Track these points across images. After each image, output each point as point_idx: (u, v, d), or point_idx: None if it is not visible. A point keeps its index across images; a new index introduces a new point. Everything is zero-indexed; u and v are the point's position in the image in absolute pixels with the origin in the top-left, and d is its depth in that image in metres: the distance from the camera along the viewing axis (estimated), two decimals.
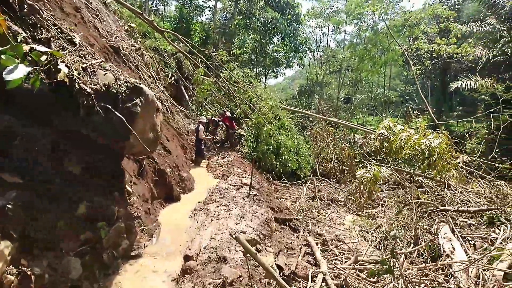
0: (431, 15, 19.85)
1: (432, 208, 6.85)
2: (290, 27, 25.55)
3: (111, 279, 3.46)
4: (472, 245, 5.37)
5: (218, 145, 12.07)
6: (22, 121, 2.98)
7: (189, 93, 15.75)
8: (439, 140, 6.75)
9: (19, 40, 2.67)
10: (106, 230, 3.42)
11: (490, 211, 6.23)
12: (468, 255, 4.80)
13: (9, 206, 2.58)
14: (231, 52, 21.27)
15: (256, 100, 12.16)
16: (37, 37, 3.02)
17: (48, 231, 2.90)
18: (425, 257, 5.06)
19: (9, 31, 2.58)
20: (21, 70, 2.17)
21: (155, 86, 10.78)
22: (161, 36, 12.18)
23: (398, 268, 3.75)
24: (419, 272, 4.27)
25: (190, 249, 4.00)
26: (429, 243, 5.25)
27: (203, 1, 27.43)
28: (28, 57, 2.45)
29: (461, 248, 4.92)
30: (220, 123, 12.81)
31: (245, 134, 12.67)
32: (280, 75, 29.73)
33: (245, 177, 7.82)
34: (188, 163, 9.17)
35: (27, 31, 2.98)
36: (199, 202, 6.09)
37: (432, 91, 27.30)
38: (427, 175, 8.22)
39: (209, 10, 28.14)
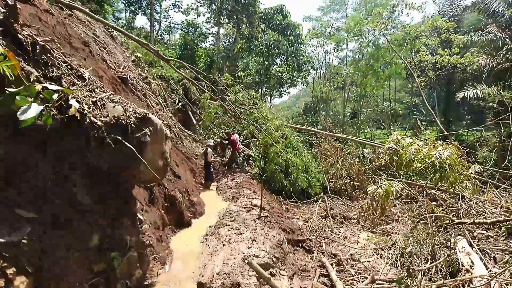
0: (431, 28, 20.05)
1: (447, 221, 6.67)
2: (292, 47, 26.12)
3: None
4: (492, 258, 5.19)
5: (226, 168, 12.09)
6: (35, 154, 3.06)
7: (196, 117, 16.01)
8: (450, 152, 6.66)
9: (31, 80, 2.79)
10: (119, 260, 3.42)
11: (507, 222, 6.03)
12: (489, 269, 4.63)
13: (24, 241, 2.61)
14: (236, 75, 21.76)
15: (262, 120, 12.29)
16: (48, 75, 3.16)
17: (62, 264, 2.91)
18: (444, 273, 4.89)
19: (23, 72, 2.72)
20: (34, 109, 2.27)
21: (163, 113, 11.01)
22: (167, 64, 12.54)
23: (417, 286, 3.64)
24: None
25: (203, 276, 3.95)
26: (447, 258, 5.10)
27: (206, 28, 28.49)
28: (41, 95, 2.57)
29: (480, 262, 4.76)
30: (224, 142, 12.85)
31: (253, 154, 12.70)
32: (284, 94, 30.26)
33: (255, 198, 7.78)
34: (198, 187, 9.19)
35: (39, 70, 3.12)
36: (210, 227, 6.05)
37: (439, 101, 27.19)
38: (440, 188, 8.06)
39: (213, 36, 29.11)
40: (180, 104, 15.19)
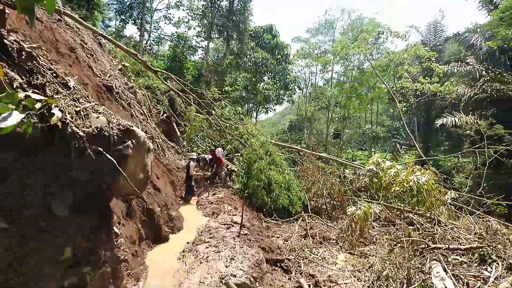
0: (414, 56, 20.95)
1: (423, 245, 6.80)
2: (280, 66, 26.67)
3: None
4: (465, 284, 5.31)
5: (208, 181, 11.96)
6: (14, 163, 2.97)
7: (180, 129, 15.90)
8: (427, 177, 6.89)
9: (14, 86, 2.74)
10: (92, 275, 3.30)
11: (481, 248, 6.22)
12: None
13: None
14: (223, 89, 21.87)
15: (247, 136, 12.34)
16: (32, 83, 3.11)
17: (33, 277, 2.79)
18: None
19: (6, 77, 2.68)
20: (15, 117, 2.21)
21: (147, 123, 10.88)
22: (154, 75, 12.52)
23: None
24: None
25: None
26: (422, 283, 5.18)
27: (196, 41, 28.73)
28: (22, 103, 2.51)
29: (454, 287, 4.86)
30: (209, 158, 12.71)
31: (236, 170, 12.67)
32: (270, 111, 30.55)
33: (236, 215, 7.72)
34: (178, 201, 9.03)
35: (23, 77, 3.07)
36: (188, 243, 5.93)
37: (419, 126, 28.16)
38: (417, 212, 8.25)
39: (202, 50, 29.35)
40: (165, 115, 15.08)
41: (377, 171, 7.91)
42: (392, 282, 5.51)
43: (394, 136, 32.31)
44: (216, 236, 5.91)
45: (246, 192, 10.40)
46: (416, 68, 21.71)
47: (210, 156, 12.47)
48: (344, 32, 31.97)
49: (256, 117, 30.64)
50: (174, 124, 15.83)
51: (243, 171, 11.83)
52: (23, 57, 3.11)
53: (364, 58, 23.49)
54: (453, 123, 16.65)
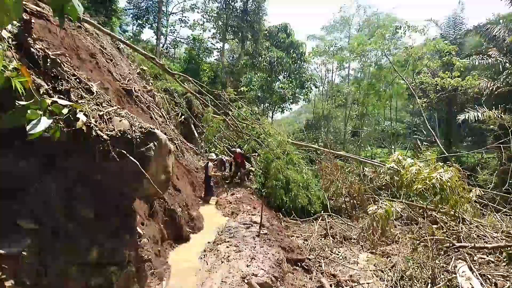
0: (433, 50, 20.34)
1: (448, 244, 6.60)
2: (295, 65, 26.49)
3: None
4: (493, 284, 5.13)
5: (227, 181, 12.04)
6: (41, 167, 3.09)
7: (198, 131, 16.09)
8: (451, 174, 6.67)
9: (41, 93, 2.84)
10: (118, 274, 3.39)
11: (509, 247, 5.97)
12: None
13: (24, 253, 2.61)
14: (239, 90, 21.96)
15: (264, 136, 12.34)
16: (57, 88, 3.22)
17: (60, 277, 2.89)
18: None
19: (33, 84, 2.78)
20: (44, 123, 2.32)
21: (166, 125, 11.07)
22: (171, 77, 12.72)
23: None
24: None
25: None
26: (447, 283, 5.03)
27: (212, 43, 29.02)
28: (49, 108, 2.61)
29: (481, 287, 4.69)
30: (226, 159, 12.79)
31: (253, 170, 12.70)
32: (286, 110, 30.42)
33: (255, 214, 7.73)
34: (197, 201, 9.14)
35: (49, 83, 3.18)
36: (208, 242, 5.99)
37: (440, 122, 27.30)
38: (441, 210, 8.01)
39: (217, 52, 29.58)
40: (183, 117, 15.31)
41: (398, 168, 7.72)
42: (416, 281, 5.38)
43: (414, 132, 31.44)
44: (236, 235, 5.94)
45: (264, 192, 10.41)
46: (436, 62, 21.06)
47: (227, 158, 12.55)
48: (360, 28, 31.47)
49: (272, 116, 30.61)
50: (192, 126, 16.05)
51: (261, 171, 11.84)
52: (48, 64, 3.23)
53: (382, 54, 22.98)
54: (476, 118, 16.03)
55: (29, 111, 2.21)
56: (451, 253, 6.27)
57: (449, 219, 8.10)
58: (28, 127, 2.18)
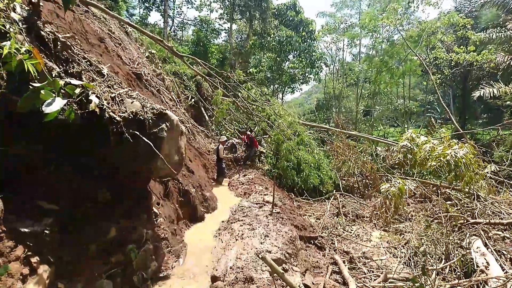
0: (447, 24, 19.52)
1: (462, 221, 6.56)
2: (305, 43, 25.87)
3: None
4: (508, 260, 5.10)
5: (240, 163, 12.13)
6: (56, 150, 3.16)
7: (208, 113, 16.12)
8: (465, 151, 6.52)
9: (53, 75, 2.87)
10: (136, 252, 3.51)
11: None
12: (505, 271, 4.55)
13: (47, 231, 2.71)
14: (248, 71, 21.70)
15: (274, 117, 12.28)
16: (69, 71, 3.24)
17: (82, 254, 3.01)
18: (458, 273, 4.83)
19: (46, 67, 2.80)
20: (58, 103, 2.34)
21: (176, 109, 11.11)
22: (180, 60, 12.64)
23: (430, 286, 3.61)
24: None
25: (216, 270, 4.01)
26: (462, 258, 5.02)
27: (219, 24, 28.58)
28: (63, 90, 2.64)
29: (496, 263, 4.68)
30: (236, 142, 12.86)
31: (264, 151, 12.73)
32: (296, 91, 30.02)
33: (267, 194, 7.80)
34: (210, 182, 9.27)
35: (60, 66, 3.21)
36: (222, 222, 6.12)
37: (454, 99, 26.56)
38: (455, 187, 7.92)
39: (225, 32, 29.17)
40: (193, 100, 15.32)
41: (412, 146, 7.60)
42: (429, 257, 5.39)
43: (428, 110, 30.74)
44: (250, 214, 6.02)
45: (275, 172, 10.46)
46: (450, 37, 20.21)
47: (237, 140, 12.59)
48: (372, 3, 30.30)
49: (282, 97, 30.29)
50: (202, 109, 16.07)
51: (272, 152, 11.86)
52: (59, 47, 3.24)
53: (394, 29, 22.19)
54: (492, 94, 15.47)
55: (42, 92, 2.24)
56: (465, 229, 6.24)
57: (463, 196, 8.01)
58: (43, 106, 2.22)
